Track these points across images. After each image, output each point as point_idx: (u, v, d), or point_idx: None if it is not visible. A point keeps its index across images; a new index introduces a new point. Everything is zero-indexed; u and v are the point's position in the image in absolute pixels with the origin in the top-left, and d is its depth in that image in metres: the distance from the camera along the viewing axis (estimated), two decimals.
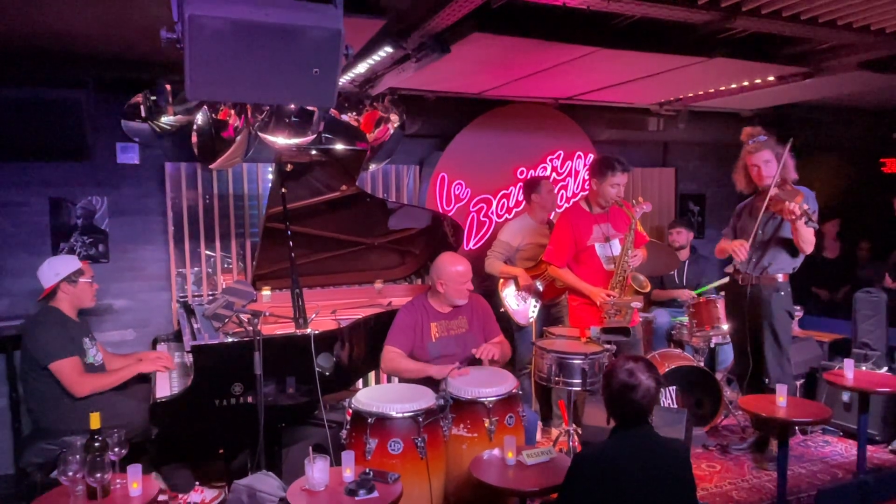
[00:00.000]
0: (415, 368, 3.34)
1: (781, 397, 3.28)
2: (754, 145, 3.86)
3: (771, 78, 4.28)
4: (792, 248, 3.85)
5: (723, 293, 4.50)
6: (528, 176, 5.33)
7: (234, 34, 1.98)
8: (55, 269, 3.36)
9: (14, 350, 3.91)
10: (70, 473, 2.25)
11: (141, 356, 3.67)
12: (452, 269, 3.45)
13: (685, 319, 4.78)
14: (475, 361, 3.45)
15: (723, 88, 4.68)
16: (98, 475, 2.27)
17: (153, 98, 3.94)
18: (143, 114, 3.97)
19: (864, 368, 4.17)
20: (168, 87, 3.91)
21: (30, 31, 3.29)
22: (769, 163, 3.80)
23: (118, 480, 2.43)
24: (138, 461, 2.45)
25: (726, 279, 4.36)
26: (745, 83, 4.47)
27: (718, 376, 4.61)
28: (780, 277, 3.90)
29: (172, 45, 2.07)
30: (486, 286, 4.76)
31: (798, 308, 4.47)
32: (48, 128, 3.78)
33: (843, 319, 5.58)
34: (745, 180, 3.97)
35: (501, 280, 4.60)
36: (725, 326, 4.37)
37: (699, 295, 4.81)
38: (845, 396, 4.45)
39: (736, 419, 4.62)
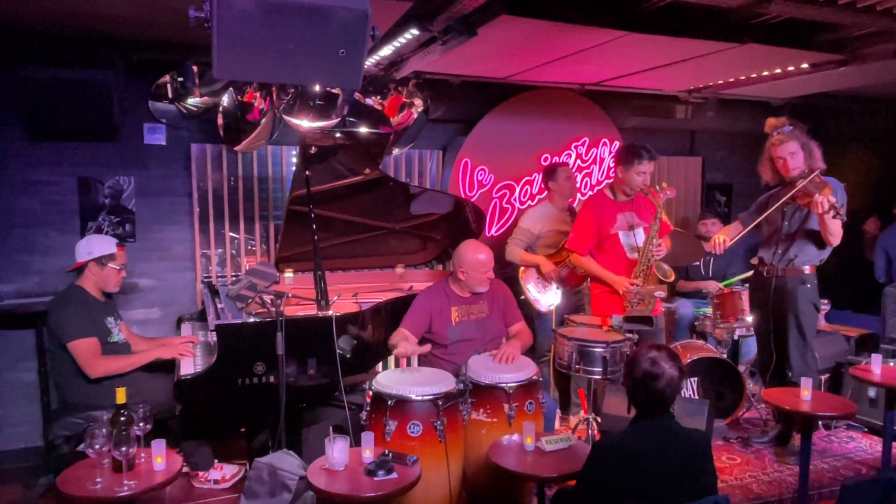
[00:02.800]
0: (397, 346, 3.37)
1: (806, 391, 3.24)
2: (779, 137, 3.78)
3: (804, 65, 4.18)
4: (819, 240, 3.77)
5: (748, 284, 4.44)
6: (551, 163, 5.29)
7: (261, 14, 1.98)
8: (90, 246, 3.43)
9: (43, 326, 3.99)
10: (97, 447, 2.30)
11: (164, 342, 3.71)
12: (474, 257, 3.44)
13: (709, 311, 4.73)
14: (496, 339, 3.44)
15: (754, 76, 4.58)
16: (123, 449, 2.31)
17: (180, 79, 3.97)
18: (169, 95, 4.01)
19: (891, 364, 4.08)
20: (195, 68, 3.94)
21: (60, 13, 3.32)
22: (795, 154, 3.72)
23: (143, 455, 2.48)
24: (162, 437, 2.50)
25: (752, 272, 4.30)
26: (778, 71, 4.37)
27: (741, 369, 4.55)
28: (807, 269, 3.84)
29: (200, 25, 2.07)
30: (507, 273, 4.74)
31: (825, 301, 4.39)
32: (77, 109, 3.83)
33: (870, 314, 5.48)
34: (772, 172, 3.89)
35: (522, 267, 4.58)
36: (750, 318, 4.31)
37: (725, 287, 4.74)
38: (871, 392, 4.37)
39: (758, 412, 4.57)
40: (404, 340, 3.36)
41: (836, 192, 3.72)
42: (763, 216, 3.84)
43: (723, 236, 3.85)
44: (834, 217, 3.52)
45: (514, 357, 3.27)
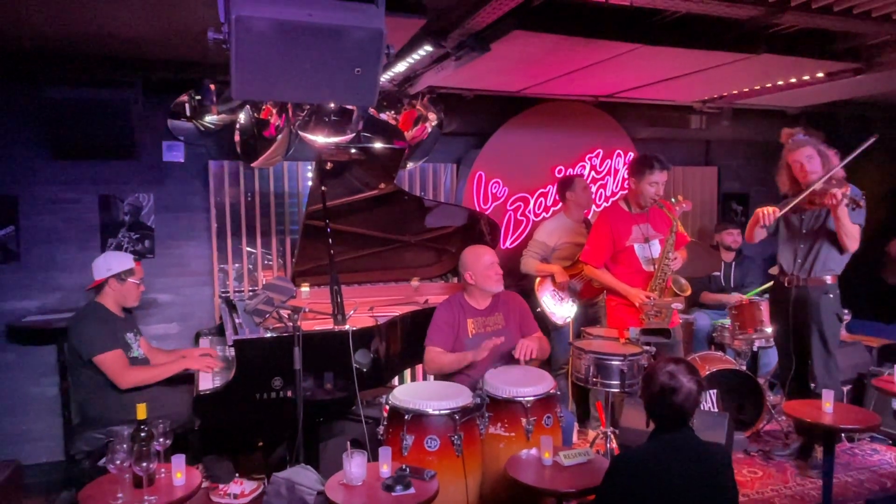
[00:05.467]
0: (455, 359, 3.36)
1: (828, 403, 3.19)
2: (794, 143, 3.77)
3: (820, 74, 4.16)
4: (838, 246, 3.73)
5: (767, 295, 4.40)
6: (566, 174, 5.30)
7: (278, 34, 2.01)
8: (108, 263, 3.47)
9: (65, 342, 4.05)
10: (117, 462, 2.32)
11: (185, 353, 3.76)
12: (473, 255, 3.50)
13: (727, 322, 4.69)
14: (513, 360, 3.44)
15: (769, 85, 4.56)
16: (144, 464, 2.34)
17: (198, 98, 4.04)
18: (188, 113, 4.07)
19: None
20: (212, 87, 4.00)
21: (82, 34, 3.40)
22: (812, 158, 3.71)
23: (163, 470, 2.50)
24: (181, 452, 2.52)
25: (772, 283, 4.26)
26: (793, 80, 4.35)
27: (761, 380, 4.50)
28: (829, 279, 3.79)
29: (219, 46, 2.11)
30: (523, 285, 4.74)
31: (846, 311, 4.34)
32: (98, 127, 3.91)
33: (893, 324, 5.40)
34: (789, 181, 3.87)
35: (538, 279, 4.58)
36: (769, 329, 4.26)
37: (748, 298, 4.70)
38: (895, 404, 4.29)
39: (779, 424, 4.50)
40: (445, 355, 3.38)
41: (855, 195, 3.68)
42: (792, 204, 3.72)
43: (771, 207, 3.74)
44: (853, 209, 3.48)
45: (532, 350, 3.32)
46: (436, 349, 3.41)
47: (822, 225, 3.77)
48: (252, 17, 1.97)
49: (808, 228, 3.81)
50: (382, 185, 3.80)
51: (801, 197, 3.68)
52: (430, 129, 4.61)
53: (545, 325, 4.38)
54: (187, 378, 3.56)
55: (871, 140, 3.54)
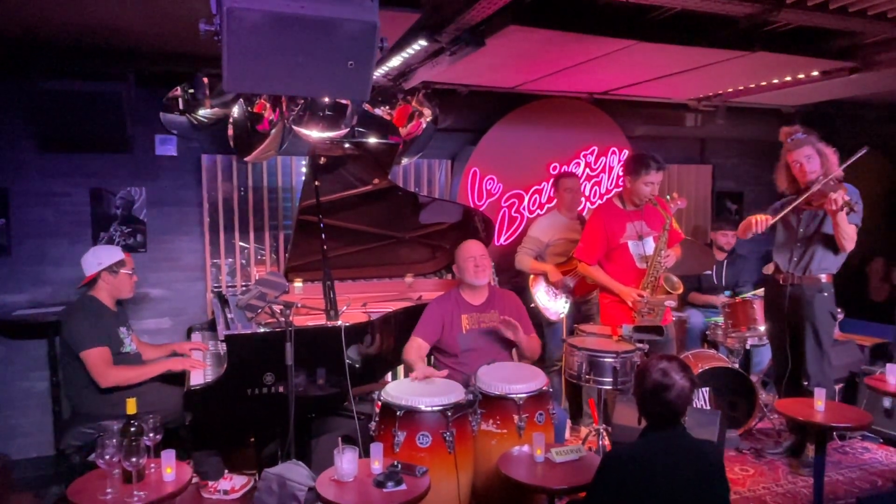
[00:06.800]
0: (414, 366, 3.35)
1: (820, 401, 3.20)
2: (794, 142, 3.76)
3: (815, 73, 4.16)
4: (835, 246, 3.74)
5: (761, 293, 4.40)
6: (560, 171, 5.29)
7: (271, 26, 1.99)
8: (98, 257, 3.45)
9: (55, 336, 4.02)
10: (107, 457, 2.30)
11: (175, 347, 3.74)
12: (460, 247, 3.55)
13: (720, 320, 4.70)
14: (505, 348, 3.43)
15: (764, 84, 4.57)
16: (133, 459, 2.32)
17: (191, 91, 4.01)
18: (181, 107, 4.05)
19: None
20: (205, 80, 3.97)
21: (74, 26, 3.36)
22: (811, 158, 3.70)
23: (153, 465, 2.48)
24: (172, 447, 2.50)
25: (763, 288, 4.27)
26: (788, 78, 4.35)
27: (753, 378, 4.51)
28: (824, 278, 3.79)
29: (210, 38, 2.09)
30: (517, 282, 4.73)
31: (839, 310, 4.35)
32: (90, 120, 3.87)
33: (885, 323, 5.41)
34: (788, 180, 3.87)
35: (532, 275, 4.57)
36: (762, 328, 4.27)
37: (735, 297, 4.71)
38: (886, 402, 4.31)
39: (771, 422, 4.51)
40: (420, 361, 3.36)
41: (851, 195, 3.69)
42: (785, 211, 3.75)
43: (764, 215, 3.76)
44: (848, 213, 3.49)
45: (516, 328, 3.35)
46: (417, 340, 3.42)
47: (820, 225, 3.77)
48: (244, 8, 1.94)
49: (805, 228, 3.81)
50: (376, 181, 3.78)
51: (794, 204, 3.71)
52: (424, 125, 4.59)
53: (539, 320, 4.38)
54: (178, 373, 3.54)
55: (862, 151, 3.57)
